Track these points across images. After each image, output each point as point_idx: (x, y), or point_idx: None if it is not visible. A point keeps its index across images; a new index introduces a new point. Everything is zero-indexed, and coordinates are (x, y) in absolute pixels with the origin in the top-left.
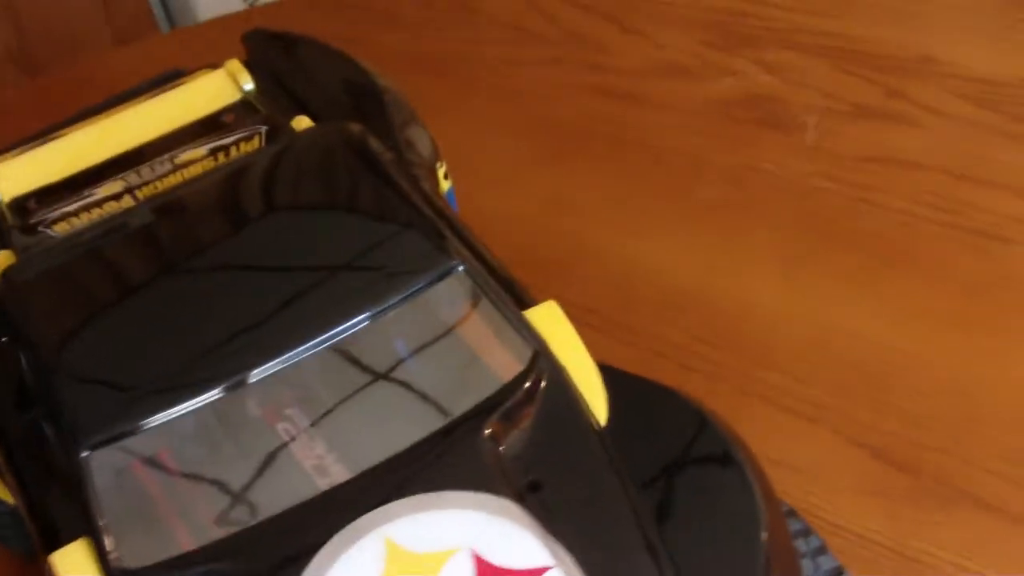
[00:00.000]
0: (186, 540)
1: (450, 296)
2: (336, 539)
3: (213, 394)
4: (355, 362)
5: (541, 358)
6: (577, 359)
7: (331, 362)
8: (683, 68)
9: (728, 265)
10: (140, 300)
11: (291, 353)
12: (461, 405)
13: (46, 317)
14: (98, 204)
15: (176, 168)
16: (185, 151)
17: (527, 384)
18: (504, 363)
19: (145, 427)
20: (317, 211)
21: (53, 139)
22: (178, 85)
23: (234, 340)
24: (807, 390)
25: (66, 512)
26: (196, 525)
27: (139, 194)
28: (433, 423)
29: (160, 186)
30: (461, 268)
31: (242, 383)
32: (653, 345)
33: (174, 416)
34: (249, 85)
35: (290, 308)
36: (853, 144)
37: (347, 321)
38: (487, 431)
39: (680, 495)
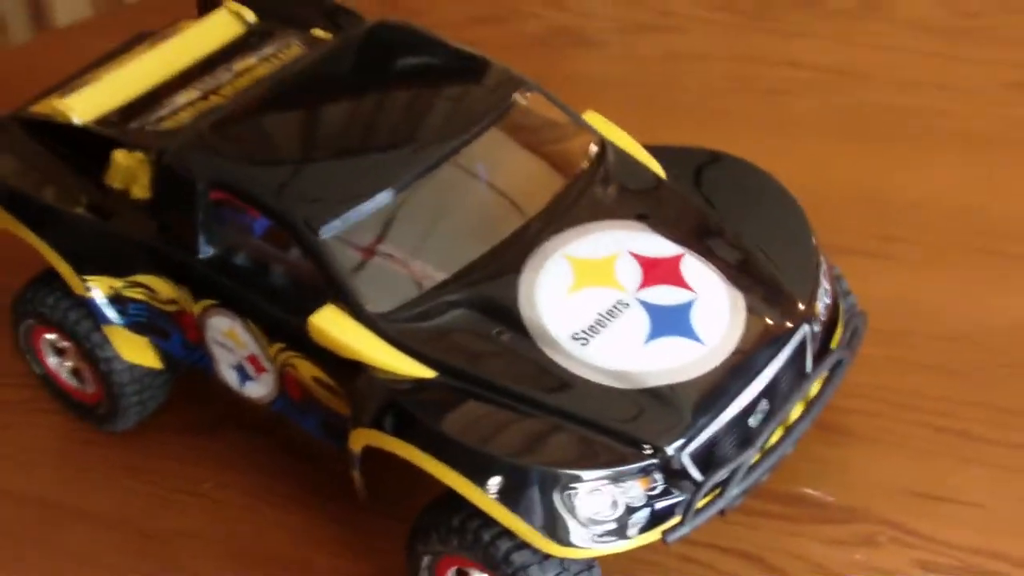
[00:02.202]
0: (416, 284)
1: (534, 105)
2: (530, 262)
3: (406, 177)
4: (502, 148)
5: (605, 141)
6: (626, 142)
7: (482, 149)
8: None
9: None
10: (312, 132)
11: (453, 145)
12: (574, 169)
13: (246, 156)
14: (189, 106)
15: (237, 74)
16: (237, 62)
17: (607, 154)
18: (586, 143)
19: (363, 209)
20: (414, 69)
21: (103, 73)
22: (189, 26)
23: (402, 146)
24: None
25: (305, 294)
26: (420, 272)
27: (217, 96)
28: (560, 182)
29: (233, 87)
30: (534, 89)
31: (427, 170)
32: None
33: (387, 193)
34: (251, 16)
35: (436, 123)
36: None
37: (482, 124)
38: (597, 186)
39: (737, 209)
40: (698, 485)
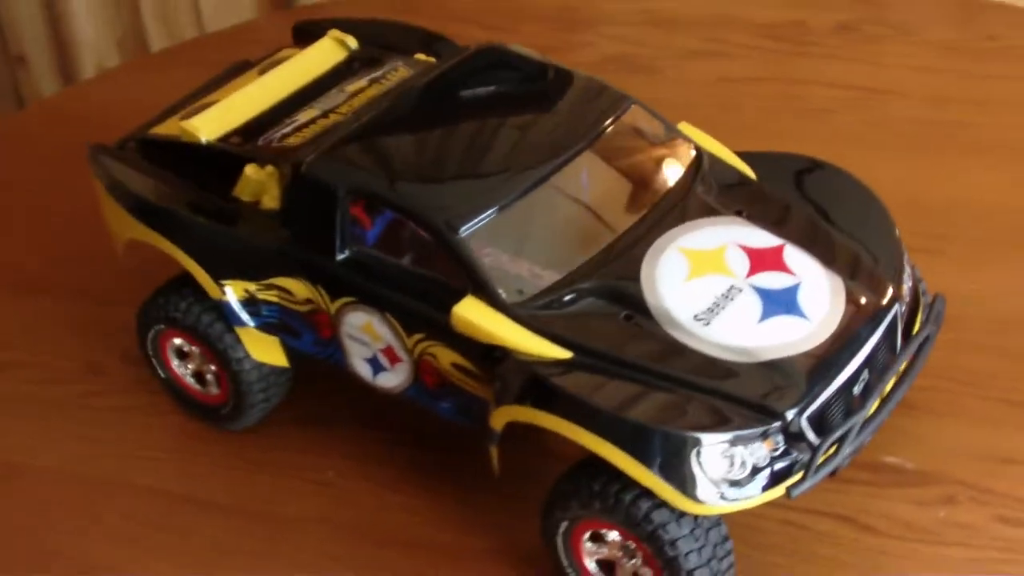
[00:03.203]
0: (545, 276)
1: (635, 116)
2: (648, 255)
3: (530, 181)
4: (611, 155)
5: (699, 147)
6: (717, 148)
7: (594, 156)
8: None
9: None
10: (438, 143)
11: (570, 153)
12: (676, 172)
13: (380, 166)
14: (309, 124)
15: (351, 95)
16: (347, 84)
17: (702, 159)
18: (684, 149)
19: (495, 210)
20: (523, 86)
21: (217, 97)
22: (294, 53)
23: (523, 153)
24: None
25: (442, 289)
26: (548, 266)
27: (333, 116)
28: (665, 184)
29: (350, 106)
30: (634, 102)
31: (548, 174)
32: None
33: (514, 196)
34: (354, 44)
35: (551, 133)
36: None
37: (593, 133)
38: (698, 187)
39: (824, 203)
40: (816, 445)
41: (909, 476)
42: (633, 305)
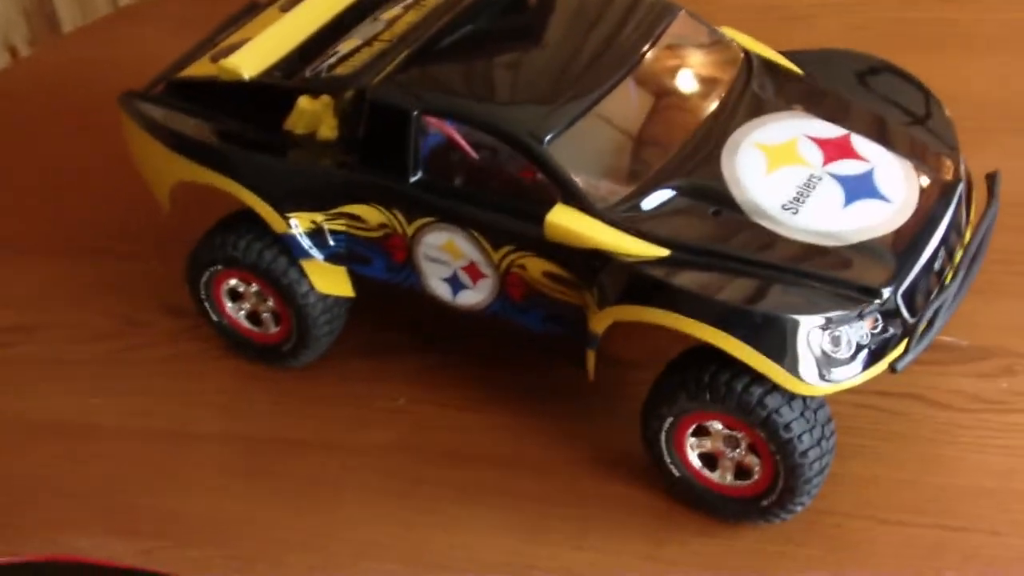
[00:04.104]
0: (630, 179)
1: (683, 23)
2: (724, 151)
3: (603, 86)
4: (670, 60)
5: (747, 49)
6: (761, 48)
7: (655, 61)
8: None
9: None
10: (499, 59)
11: (633, 60)
12: (731, 73)
13: (450, 85)
14: (354, 53)
15: (388, 23)
16: (381, 13)
17: (752, 60)
18: (734, 52)
19: (575, 117)
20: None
21: (245, 37)
22: None
23: (589, 61)
24: None
25: (528, 199)
26: (631, 168)
27: (377, 44)
28: (724, 84)
29: (392, 32)
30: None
31: (620, 78)
32: None
33: (587, 105)
34: None
35: (611, 41)
36: None
37: (652, 39)
38: (754, 85)
39: (875, 91)
40: (915, 319)
41: (967, 353)
42: (720, 200)
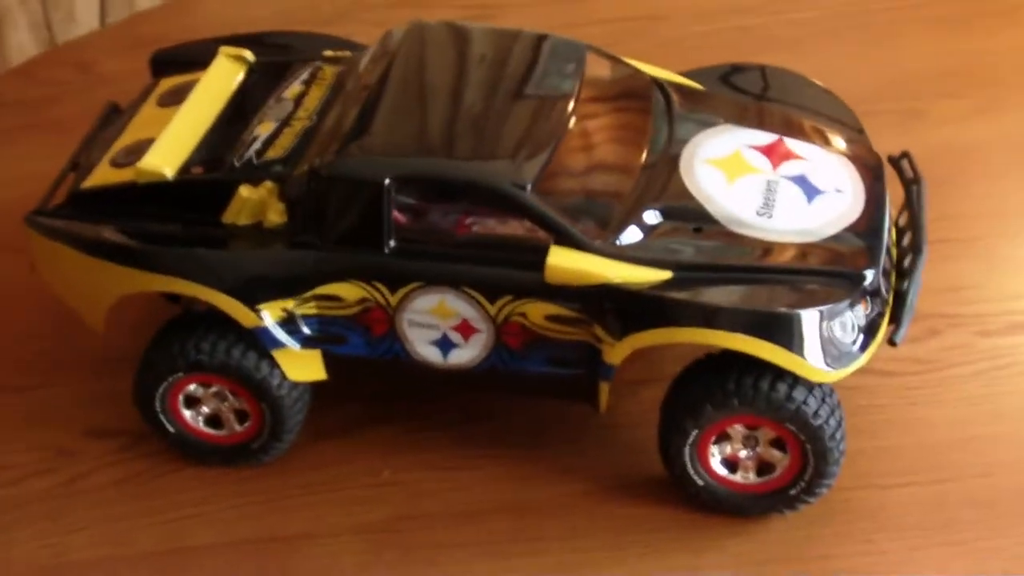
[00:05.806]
0: (609, 210)
1: (593, 58)
2: (682, 172)
3: (560, 129)
4: (597, 98)
5: (652, 76)
6: (660, 72)
7: (586, 101)
8: None
9: None
10: (444, 115)
11: (570, 101)
12: (650, 101)
13: (412, 147)
14: (276, 136)
15: (295, 101)
16: (281, 92)
17: (662, 84)
18: (643, 80)
19: (544, 161)
20: (484, 53)
21: (140, 131)
22: (201, 76)
23: (531, 109)
24: None
25: (527, 247)
26: (607, 200)
27: (296, 123)
28: (647, 112)
29: (306, 109)
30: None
31: (565, 123)
32: None
33: (550, 148)
34: (251, 56)
35: (539, 85)
36: None
37: (576, 79)
38: (675, 109)
39: (775, 94)
40: (898, 296)
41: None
42: (698, 217)
